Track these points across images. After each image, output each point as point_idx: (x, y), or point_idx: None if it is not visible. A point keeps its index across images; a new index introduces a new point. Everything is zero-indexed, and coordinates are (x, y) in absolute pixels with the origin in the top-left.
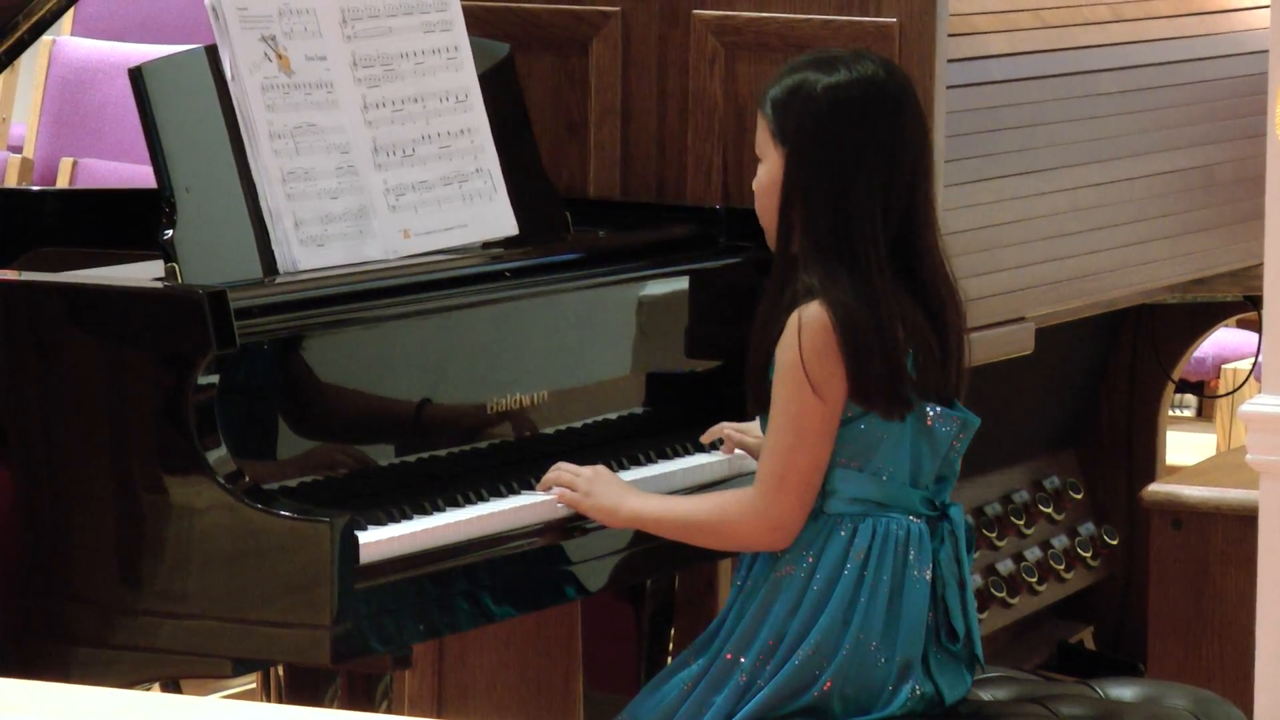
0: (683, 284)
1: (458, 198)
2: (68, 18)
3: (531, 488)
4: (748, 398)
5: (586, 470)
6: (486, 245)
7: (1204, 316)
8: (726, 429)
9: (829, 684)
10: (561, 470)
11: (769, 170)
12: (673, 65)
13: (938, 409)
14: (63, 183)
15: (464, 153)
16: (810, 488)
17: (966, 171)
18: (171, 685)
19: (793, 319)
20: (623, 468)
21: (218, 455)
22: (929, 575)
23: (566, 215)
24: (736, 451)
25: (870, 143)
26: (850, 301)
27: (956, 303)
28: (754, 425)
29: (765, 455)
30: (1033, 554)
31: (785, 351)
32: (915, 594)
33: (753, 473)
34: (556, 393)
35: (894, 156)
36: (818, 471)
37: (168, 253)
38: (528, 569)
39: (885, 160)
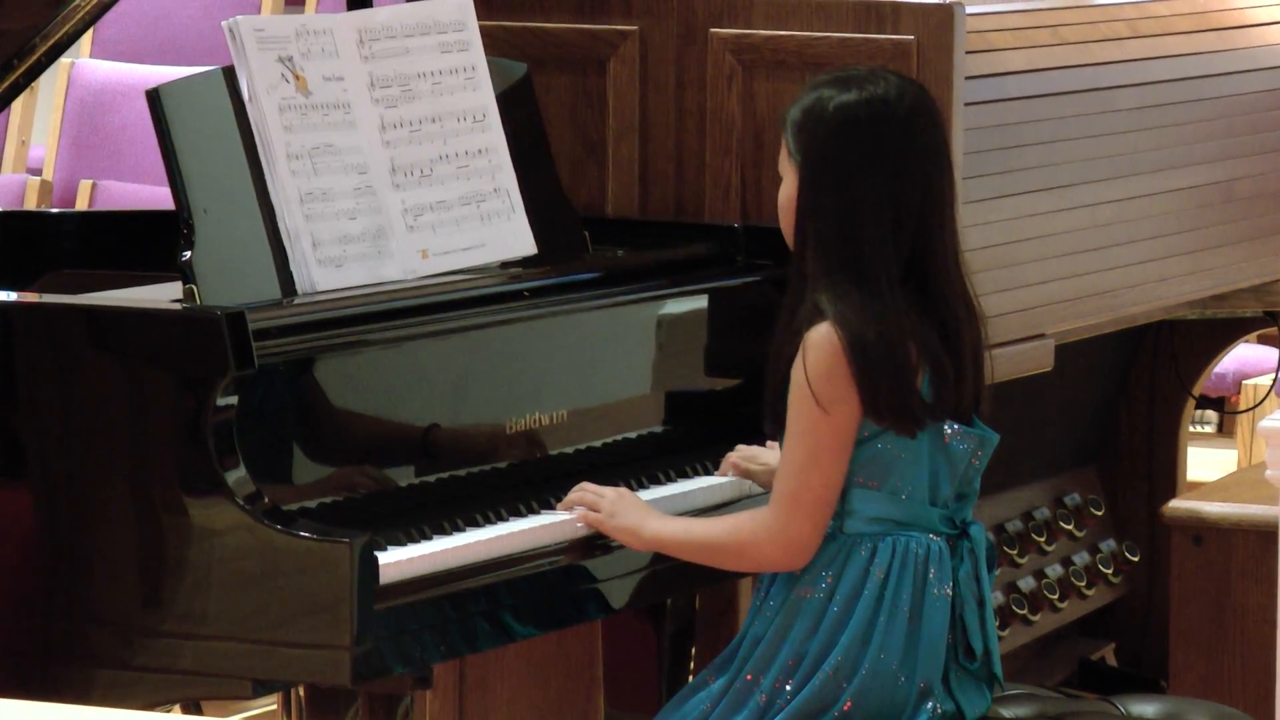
0: (701, 303)
1: (476, 217)
2: (86, 40)
3: (551, 507)
4: (765, 417)
5: (609, 491)
6: (505, 265)
7: (1224, 332)
8: (733, 459)
9: (849, 704)
10: (584, 491)
11: (786, 189)
12: (690, 84)
13: (955, 426)
14: (82, 205)
15: (482, 172)
16: (825, 506)
17: (985, 188)
18: (192, 706)
19: (804, 339)
20: (642, 487)
21: (237, 476)
22: (949, 593)
23: (585, 234)
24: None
25: (878, 161)
26: (860, 321)
27: (975, 321)
28: (762, 451)
29: (780, 475)
30: (1054, 571)
31: (796, 371)
32: (935, 612)
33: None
34: (575, 412)
35: (904, 174)
36: (832, 490)
37: (186, 274)
38: (548, 588)
39: (895, 178)
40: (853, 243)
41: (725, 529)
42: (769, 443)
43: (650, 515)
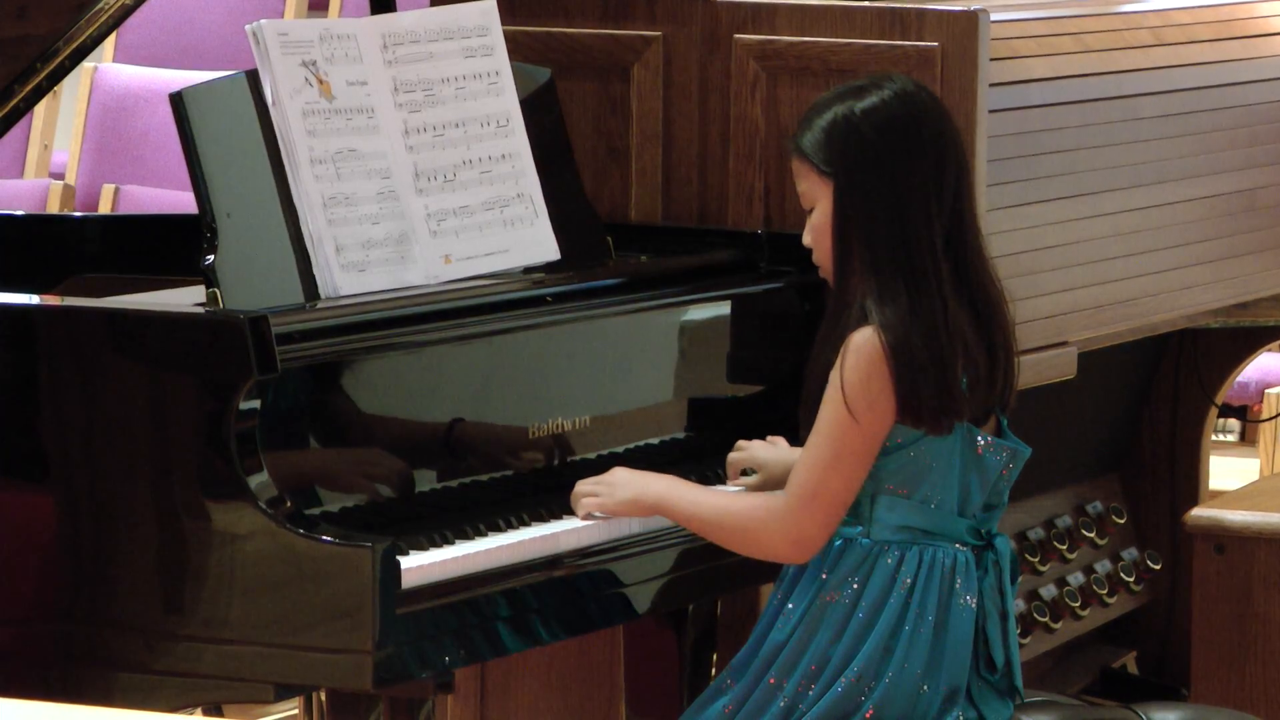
0: (724, 309)
1: (499, 223)
2: (109, 44)
3: (573, 513)
4: (801, 426)
5: (601, 475)
6: (528, 270)
7: (1247, 341)
8: (734, 471)
9: (871, 712)
10: (581, 486)
11: (822, 211)
12: (714, 90)
13: (989, 438)
14: (104, 209)
15: (505, 178)
16: (839, 508)
17: (1008, 196)
18: (214, 710)
19: (846, 341)
20: None
21: (259, 480)
22: (974, 603)
23: (608, 240)
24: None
25: (918, 157)
26: (907, 322)
27: (1003, 312)
28: (758, 447)
29: (800, 468)
30: (1075, 579)
31: (834, 372)
32: (960, 622)
33: None
34: (598, 418)
35: (940, 168)
36: (850, 493)
37: (209, 278)
38: (570, 593)
39: (933, 173)
40: (901, 240)
41: (739, 509)
42: (769, 437)
43: (650, 479)
